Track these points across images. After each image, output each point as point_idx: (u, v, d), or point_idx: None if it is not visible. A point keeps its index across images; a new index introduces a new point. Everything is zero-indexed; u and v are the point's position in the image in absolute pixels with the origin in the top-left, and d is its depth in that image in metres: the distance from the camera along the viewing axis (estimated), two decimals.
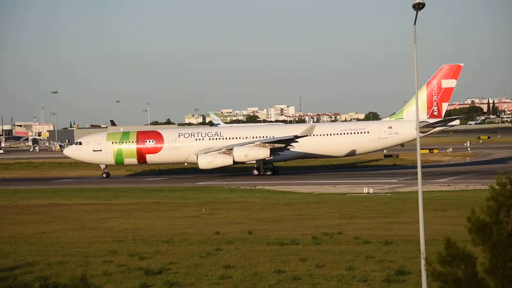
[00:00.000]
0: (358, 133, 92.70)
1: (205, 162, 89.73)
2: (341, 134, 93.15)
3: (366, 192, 64.37)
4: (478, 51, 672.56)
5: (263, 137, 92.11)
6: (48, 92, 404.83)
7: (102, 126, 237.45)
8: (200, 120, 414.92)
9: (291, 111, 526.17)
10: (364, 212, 51.18)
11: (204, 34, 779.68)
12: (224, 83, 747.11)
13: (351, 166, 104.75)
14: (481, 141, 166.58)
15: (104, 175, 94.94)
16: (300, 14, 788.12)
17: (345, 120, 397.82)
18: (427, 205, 45.68)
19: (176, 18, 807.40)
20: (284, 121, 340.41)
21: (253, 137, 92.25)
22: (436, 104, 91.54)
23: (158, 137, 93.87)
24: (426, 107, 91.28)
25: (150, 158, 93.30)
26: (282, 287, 29.32)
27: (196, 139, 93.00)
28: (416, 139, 29.65)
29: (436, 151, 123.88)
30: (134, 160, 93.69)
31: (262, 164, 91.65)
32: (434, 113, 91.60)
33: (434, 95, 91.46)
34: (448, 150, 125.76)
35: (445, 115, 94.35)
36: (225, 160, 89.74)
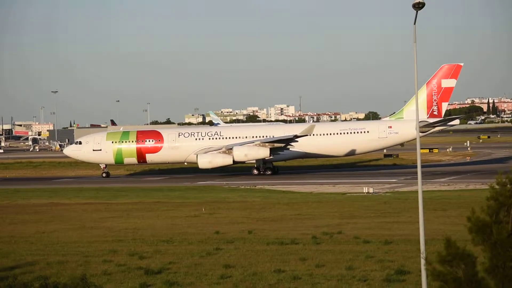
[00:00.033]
0: (358, 132, 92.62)
1: (205, 162, 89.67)
2: (341, 133, 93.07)
3: (366, 191, 64.35)
4: (478, 50, 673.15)
5: (263, 136, 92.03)
6: (48, 91, 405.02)
7: (102, 125, 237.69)
8: (200, 119, 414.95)
9: (291, 110, 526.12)
10: (364, 211, 51.17)
11: (204, 34, 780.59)
12: (224, 83, 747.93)
13: (351, 165, 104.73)
14: (481, 140, 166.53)
15: (104, 175, 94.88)
16: (300, 14, 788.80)
17: (345, 120, 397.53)
18: (427, 205, 45.67)
19: (176, 18, 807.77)
20: (284, 121, 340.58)
21: (253, 137, 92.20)
22: (436, 103, 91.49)
23: (158, 136, 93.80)
24: (426, 106, 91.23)
25: (150, 157, 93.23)
26: (282, 287, 29.29)
27: (196, 139, 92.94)
28: (416, 138, 29.63)
29: (436, 150, 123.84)
30: (134, 160, 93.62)
31: (262, 164, 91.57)
32: (434, 112, 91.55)
33: (434, 94, 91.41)
34: (448, 150, 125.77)
35: (445, 114, 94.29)
36: (225, 160, 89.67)
